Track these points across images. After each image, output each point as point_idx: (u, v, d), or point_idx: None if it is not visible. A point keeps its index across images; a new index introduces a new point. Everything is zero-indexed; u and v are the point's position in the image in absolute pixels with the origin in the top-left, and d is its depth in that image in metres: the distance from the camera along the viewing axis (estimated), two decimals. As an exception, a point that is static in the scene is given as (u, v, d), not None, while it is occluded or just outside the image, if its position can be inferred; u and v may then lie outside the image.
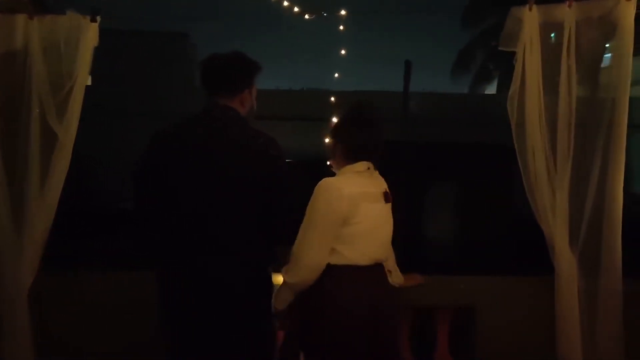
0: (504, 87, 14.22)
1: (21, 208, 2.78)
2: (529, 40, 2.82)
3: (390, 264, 2.64)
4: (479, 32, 15.59)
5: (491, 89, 16.64)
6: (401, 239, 2.62)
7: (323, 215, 2.32)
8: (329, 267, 2.33)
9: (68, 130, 2.78)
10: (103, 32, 2.77)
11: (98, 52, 2.79)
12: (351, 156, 2.43)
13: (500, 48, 2.90)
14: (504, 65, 14.64)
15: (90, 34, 2.74)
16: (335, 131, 2.50)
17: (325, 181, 2.37)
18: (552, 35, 2.87)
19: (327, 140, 2.70)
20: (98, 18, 2.74)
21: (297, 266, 2.33)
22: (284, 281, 2.37)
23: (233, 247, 2.28)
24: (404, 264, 2.72)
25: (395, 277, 2.64)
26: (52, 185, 2.79)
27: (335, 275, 2.33)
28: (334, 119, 2.58)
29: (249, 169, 2.27)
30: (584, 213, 2.81)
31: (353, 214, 2.33)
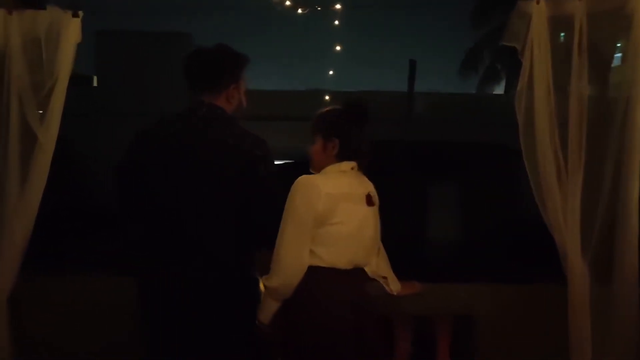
0: (512, 87, 14.15)
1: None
2: (537, 36, 2.67)
3: (385, 269, 2.52)
4: (487, 31, 15.53)
5: (499, 90, 16.57)
6: (399, 243, 2.51)
7: (301, 214, 2.21)
8: (308, 268, 2.23)
9: (48, 130, 2.65)
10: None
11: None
12: (344, 154, 2.33)
13: (503, 43, 2.75)
14: (512, 65, 14.67)
15: (72, 29, 2.61)
16: (334, 127, 2.36)
17: (303, 178, 2.26)
18: (562, 35, 2.71)
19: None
20: (80, 13, 2.62)
21: (277, 268, 2.22)
22: (266, 289, 2.25)
23: (212, 248, 2.19)
24: (401, 270, 2.58)
25: (392, 284, 2.52)
26: (32, 187, 2.66)
27: (314, 277, 2.22)
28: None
29: (230, 169, 2.17)
30: (596, 218, 2.65)
31: (331, 214, 2.23)
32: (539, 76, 2.70)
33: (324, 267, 2.24)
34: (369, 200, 2.35)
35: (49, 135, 2.66)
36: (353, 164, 2.35)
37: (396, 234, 2.57)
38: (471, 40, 16.32)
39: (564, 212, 2.67)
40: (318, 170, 2.37)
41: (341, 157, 2.34)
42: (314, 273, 2.23)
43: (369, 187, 2.40)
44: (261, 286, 2.30)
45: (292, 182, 2.26)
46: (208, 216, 2.19)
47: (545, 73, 2.69)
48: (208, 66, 2.30)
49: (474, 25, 15.60)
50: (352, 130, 2.34)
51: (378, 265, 2.48)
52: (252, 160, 2.20)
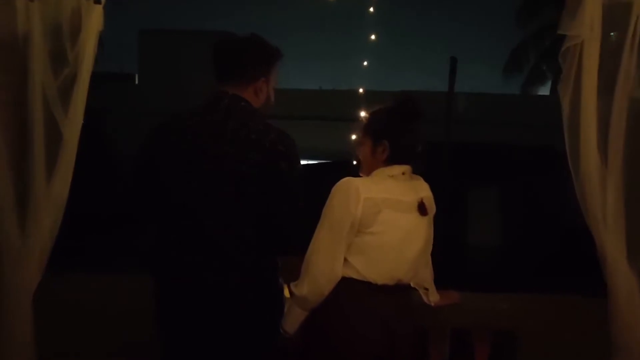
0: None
1: (26, 205, 2.56)
2: (589, 25, 2.45)
3: (428, 281, 2.34)
4: (532, 31, 15.23)
5: (543, 91, 16.20)
6: (436, 250, 2.32)
7: (337, 218, 2.04)
8: (341, 279, 2.07)
9: (73, 121, 2.55)
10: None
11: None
12: (396, 157, 2.14)
13: (559, 32, 2.55)
14: (559, 65, 14.24)
15: (94, 17, 2.52)
16: (384, 128, 2.19)
17: (345, 180, 2.09)
18: (612, 34, 2.53)
19: (355, 137, 2.41)
20: (103, 0, 2.52)
21: (307, 275, 2.05)
22: (293, 297, 2.09)
23: (232, 250, 2.05)
24: (438, 279, 2.42)
25: (431, 295, 2.35)
26: (59, 181, 2.56)
27: (344, 289, 2.05)
28: (363, 114, 2.29)
29: (250, 166, 2.02)
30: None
31: (371, 221, 2.04)
32: (587, 70, 2.50)
33: (357, 280, 2.06)
34: (422, 209, 2.15)
35: (73, 129, 2.56)
36: (405, 167, 2.16)
37: (435, 239, 2.39)
38: (516, 40, 16.01)
39: (603, 212, 2.48)
40: (368, 174, 2.20)
41: (392, 161, 2.15)
42: (346, 285, 2.06)
43: (423, 193, 2.19)
44: (286, 292, 2.15)
45: (330, 184, 2.11)
46: (227, 215, 2.05)
47: (594, 67, 2.50)
48: (239, 55, 2.17)
49: (519, 24, 15.26)
50: (403, 132, 2.16)
51: (423, 277, 2.31)
52: (274, 157, 2.04)
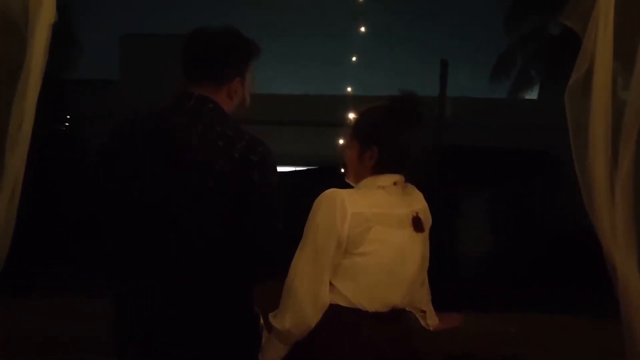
0: (547, 92, 13.66)
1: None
2: (604, 11, 2.21)
3: (425, 302, 2.07)
4: (520, 35, 15.25)
5: (531, 96, 16.18)
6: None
7: (322, 236, 1.76)
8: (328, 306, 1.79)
9: (22, 124, 2.24)
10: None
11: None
12: (386, 165, 1.87)
13: (562, 21, 2.31)
14: (547, 70, 14.25)
15: (45, 8, 2.22)
16: (373, 131, 1.91)
17: (328, 192, 1.81)
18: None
19: (342, 142, 2.13)
20: (54, -14, 2.23)
21: (289, 305, 1.76)
22: (273, 330, 1.80)
23: (198, 275, 1.76)
24: (436, 297, 2.16)
25: (430, 318, 2.08)
26: (4, 193, 2.23)
27: (331, 318, 1.77)
28: (352, 116, 2.02)
29: (216, 178, 1.72)
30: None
31: (359, 240, 1.77)
32: (599, 66, 2.26)
33: (345, 307, 1.79)
34: (417, 224, 1.88)
35: (21, 132, 2.25)
36: (396, 177, 1.90)
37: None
38: (502, 44, 15.99)
39: (612, 223, 2.23)
40: (355, 181, 1.93)
41: (381, 169, 1.89)
42: (333, 313, 1.78)
43: (417, 206, 1.93)
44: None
45: (315, 191, 1.84)
46: (190, 236, 1.76)
47: (608, 62, 2.26)
48: (211, 51, 1.88)
49: (508, 29, 15.23)
50: (396, 136, 1.88)
51: (418, 298, 2.04)
52: (244, 168, 1.76)
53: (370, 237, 1.79)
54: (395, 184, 1.89)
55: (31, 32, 2.22)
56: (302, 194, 2.18)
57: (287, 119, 10.88)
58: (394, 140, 1.89)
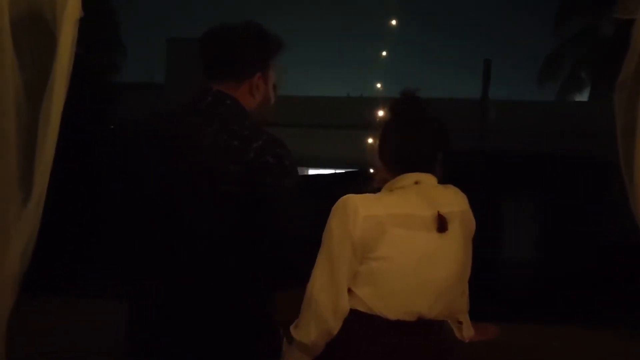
0: (598, 94, 13.20)
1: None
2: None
3: (463, 313, 1.94)
4: (569, 36, 14.83)
5: (580, 98, 15.68)
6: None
7: (337, 243, 1.68)
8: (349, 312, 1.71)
9: (49, 124, 2.21)
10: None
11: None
12: (400, 165, 1.80)
13: (615, 15, 2.16)
14: (598, 71, 13.77)
15: (71, 4, 2.20)
16: (383, 132, 1.88)
17: (343, 198, 1.73)
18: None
19: (370, 142, 2.07)
20: (80, -18, 2.21)
21: (309, 312, 1.68)
22: (294, 341, 1.72)
23: (214, 283, 1.69)
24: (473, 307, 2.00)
25: (465, 330, 1.94)
26: (35, 191, 2.20)
27: (349, 324, 1.69)
28: (381, 114, 1.94)
29: (231, 182, 1.65)
30: None
31: (374, 244, 1.68)
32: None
33: (364, 314, 1.70)
34: (440, 224, 1.74)
35: (49, 131, 2.22)
36: (418, 176, 1.79)
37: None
38: (550, 45, 15.56)
39: None
40: (382, 184, 1.87)
41: (399, 170, 1.80)
42: (352, 319, 1.70)
43: (451, 208, 1.78)
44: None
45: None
46: (200, 240, 1.69)
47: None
48: (228, 45, 1.81)
49: (557, 29, 14.81)
50: (401, 136, 1.82)
51: (458, 308, 1.91)
52: (260, 170, 1.67)
53: (386, 241, 1.69)
54: (416, 182, 1.78)
55: (59, 29, 2.21)
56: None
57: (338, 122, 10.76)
58: (399, 139, 1.82)
